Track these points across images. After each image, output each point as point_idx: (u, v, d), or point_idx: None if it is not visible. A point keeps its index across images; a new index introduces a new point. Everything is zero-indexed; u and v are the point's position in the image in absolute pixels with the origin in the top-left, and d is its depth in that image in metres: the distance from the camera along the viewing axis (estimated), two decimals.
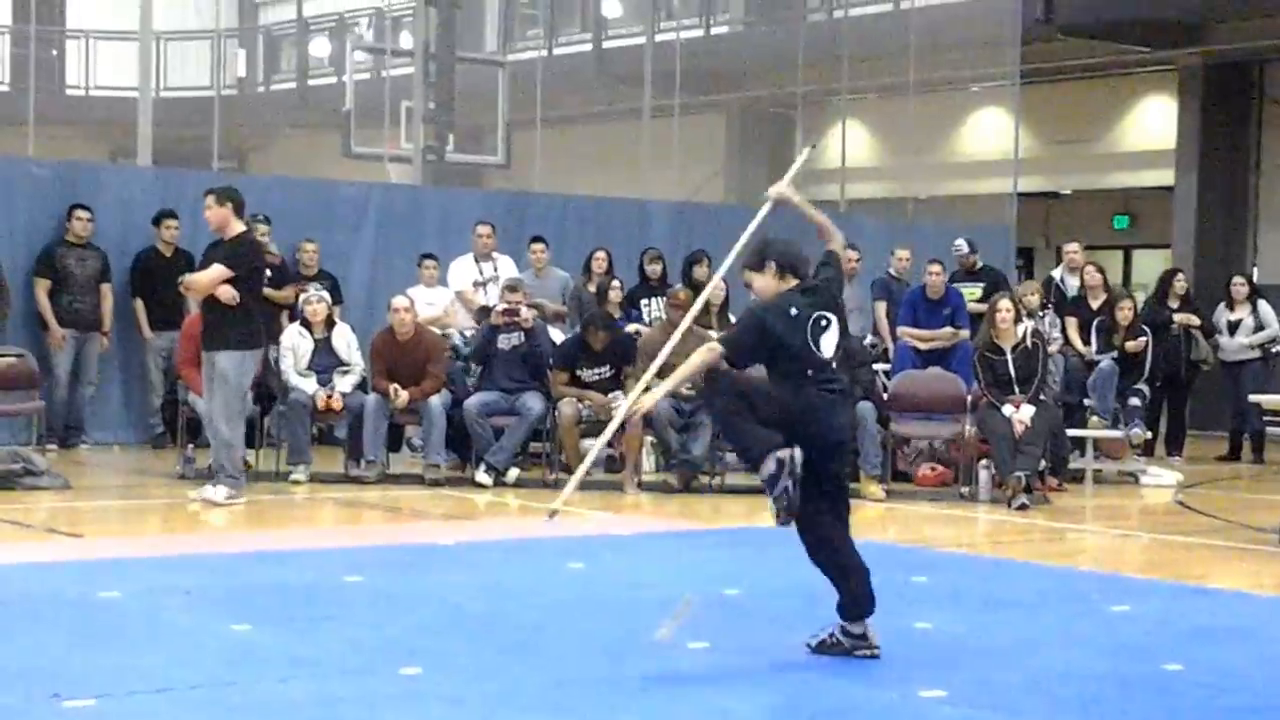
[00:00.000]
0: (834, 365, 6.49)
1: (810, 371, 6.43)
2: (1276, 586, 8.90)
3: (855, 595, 6.49)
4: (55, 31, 29.52)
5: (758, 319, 6.55)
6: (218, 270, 10.91)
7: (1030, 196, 23.26)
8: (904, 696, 5.82)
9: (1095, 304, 14.96)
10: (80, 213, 14.32)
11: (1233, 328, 16.28)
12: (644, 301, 14.79)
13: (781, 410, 6.38)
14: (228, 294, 10.87)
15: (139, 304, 14.55)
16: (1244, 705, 5.83)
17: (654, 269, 14.99)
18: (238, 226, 11.09)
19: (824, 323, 6.48)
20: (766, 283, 6.64)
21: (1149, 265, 23.86)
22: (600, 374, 12.88)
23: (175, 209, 14.67)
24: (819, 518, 6.56)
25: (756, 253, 6.74)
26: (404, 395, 12.53)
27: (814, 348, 6.43)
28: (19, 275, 14.22)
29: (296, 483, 12.22)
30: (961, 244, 15.85)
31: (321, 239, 15.34)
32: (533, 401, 12.73)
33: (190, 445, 12.47)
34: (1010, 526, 11.09)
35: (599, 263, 14.96)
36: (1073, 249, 16.37)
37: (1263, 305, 16.37)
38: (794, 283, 6.59)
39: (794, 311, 6.46)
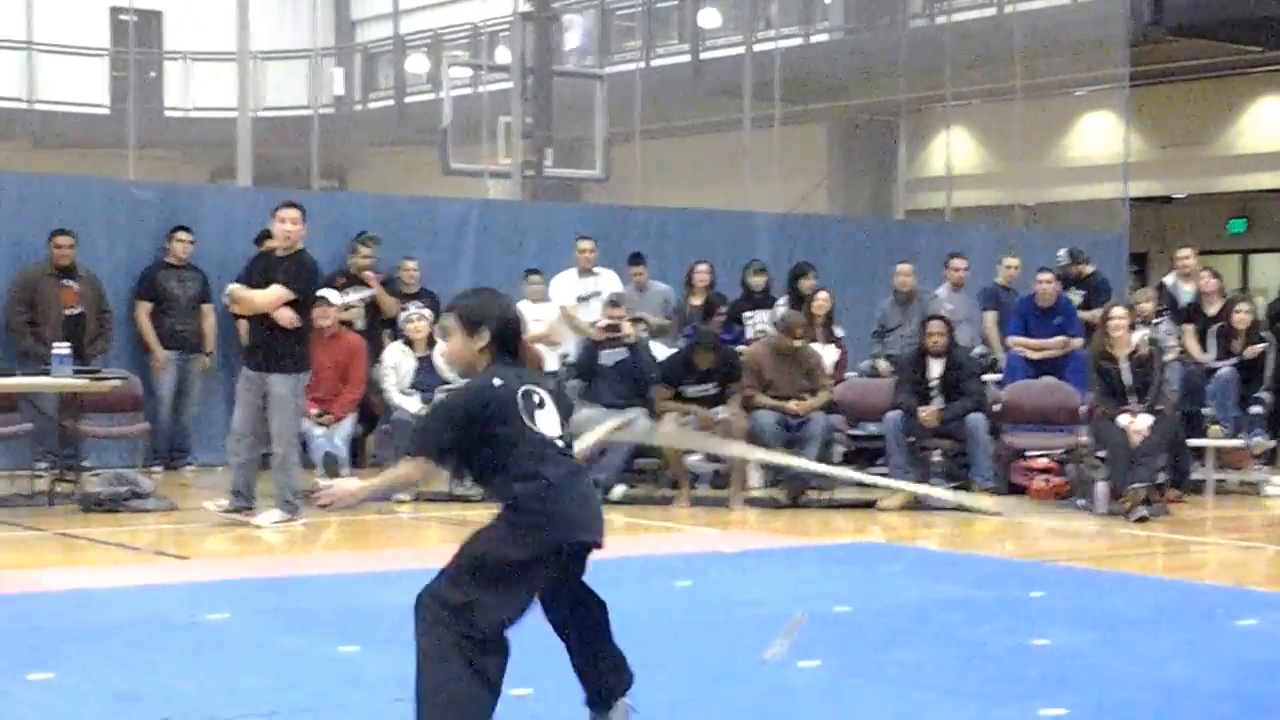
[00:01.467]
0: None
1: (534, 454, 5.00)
2: None
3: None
4: (154, 54, 29.79)
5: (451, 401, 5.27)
6: (280, 291, 10.62)
7: (1142, 201, 22.90)
8: (1024, 715, 5.62)
9: (1211, 310, 14.59)
10: (181, 234, 14.37)
11: None
12: (747, 315, 14.63)
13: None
14: (288, 318, 10.66)
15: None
16: None
17: (757, 281, 14.83)
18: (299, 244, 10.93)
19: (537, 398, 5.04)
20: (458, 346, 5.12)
21: (1267, 269, 23.44)
22: (705, 390, 12.71)
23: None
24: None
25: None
26: None
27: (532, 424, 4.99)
28: (122, 299, 14.28)
29: (401, 502, 12.15)
30: (1062, 254, 15.59)
31: (421, 256, 15.29)
32: (636, 416, 12.59)
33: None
34: (1129, 539, 10.82)
35: (701, 276, 14.83)
36: (1184, 254, 16.01)
37: None
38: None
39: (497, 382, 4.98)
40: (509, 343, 5.05)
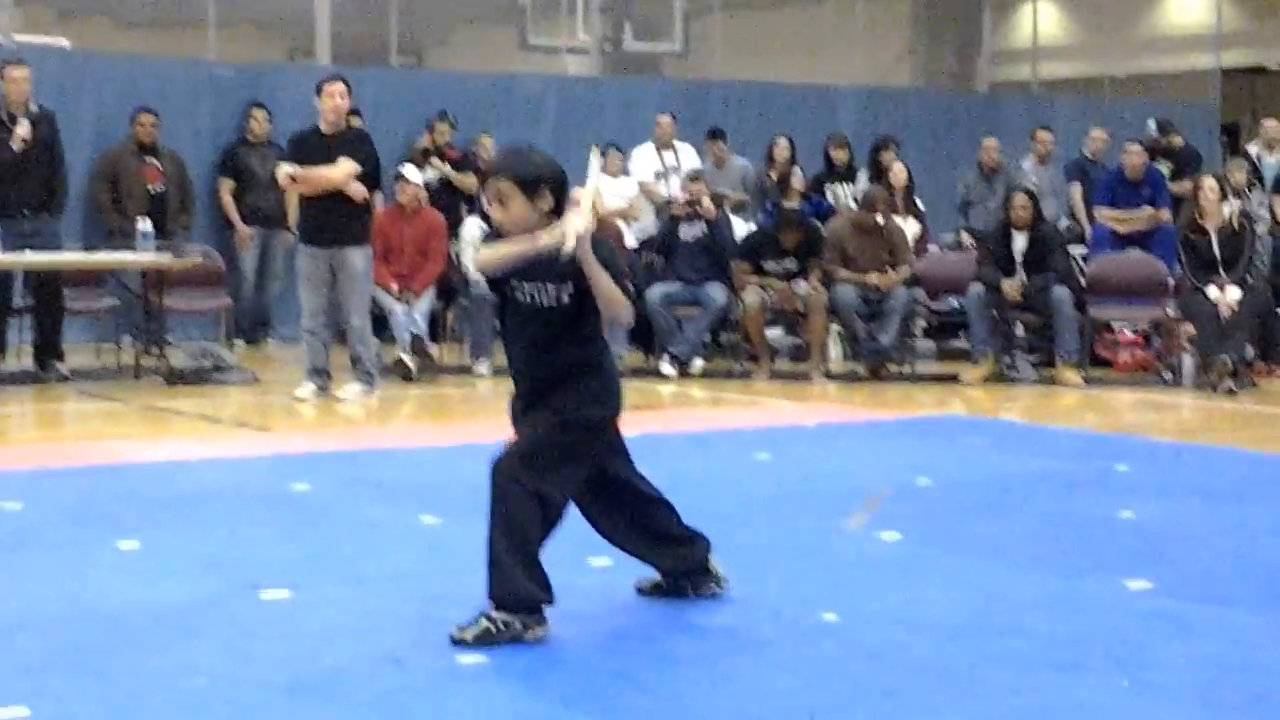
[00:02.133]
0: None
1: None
2: None
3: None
4: None
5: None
6: (351, 166, 10.60)
7: (1234, 72, 22.43)
8: (1108, 587, 5.56)
9: None
10: (257, 112, 14.38)
11: None
12: (829, 187, 14.50)
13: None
14: (360, 192, 10.65)
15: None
16: None
17: (839, 155, 14.68)
18: (354, 120, 10.88)
19: None
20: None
21: None
22: (786, 267, 12.63)
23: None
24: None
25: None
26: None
27: None
28: (204, 176, 14.32)
29: (481, 376, 12.19)
30: (1151, 126, 15.33)
31: (500, 133, 15.22)
32: (715, 292, 12.55)
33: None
34: (1217, 412, 10.70)
35: (781, 150, 14.69)
36: (1270, 124, 15.70)
37: None
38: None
39: None
40: (563, 205, 4.81)
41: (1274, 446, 9.41)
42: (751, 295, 12.38)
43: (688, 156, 14.72)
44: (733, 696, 4.29)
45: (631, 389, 11.68)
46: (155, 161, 13.70)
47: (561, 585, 4.89)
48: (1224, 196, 12.31)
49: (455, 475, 7.84)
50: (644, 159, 14.68)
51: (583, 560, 5.68)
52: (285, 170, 10.68)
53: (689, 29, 20.62)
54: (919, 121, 17.64)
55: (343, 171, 10.61)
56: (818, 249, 12.59)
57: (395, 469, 8.09)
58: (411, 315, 12.21)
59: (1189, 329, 12.00)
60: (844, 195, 14.37)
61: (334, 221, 10.69)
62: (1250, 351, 12.08)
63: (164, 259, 11.84)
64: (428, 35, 29.73)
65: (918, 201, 14.34)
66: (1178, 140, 15.44)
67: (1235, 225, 12.06)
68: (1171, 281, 12.47)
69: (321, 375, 10.86)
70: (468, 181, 14.23)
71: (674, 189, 14.03)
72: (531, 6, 20.16)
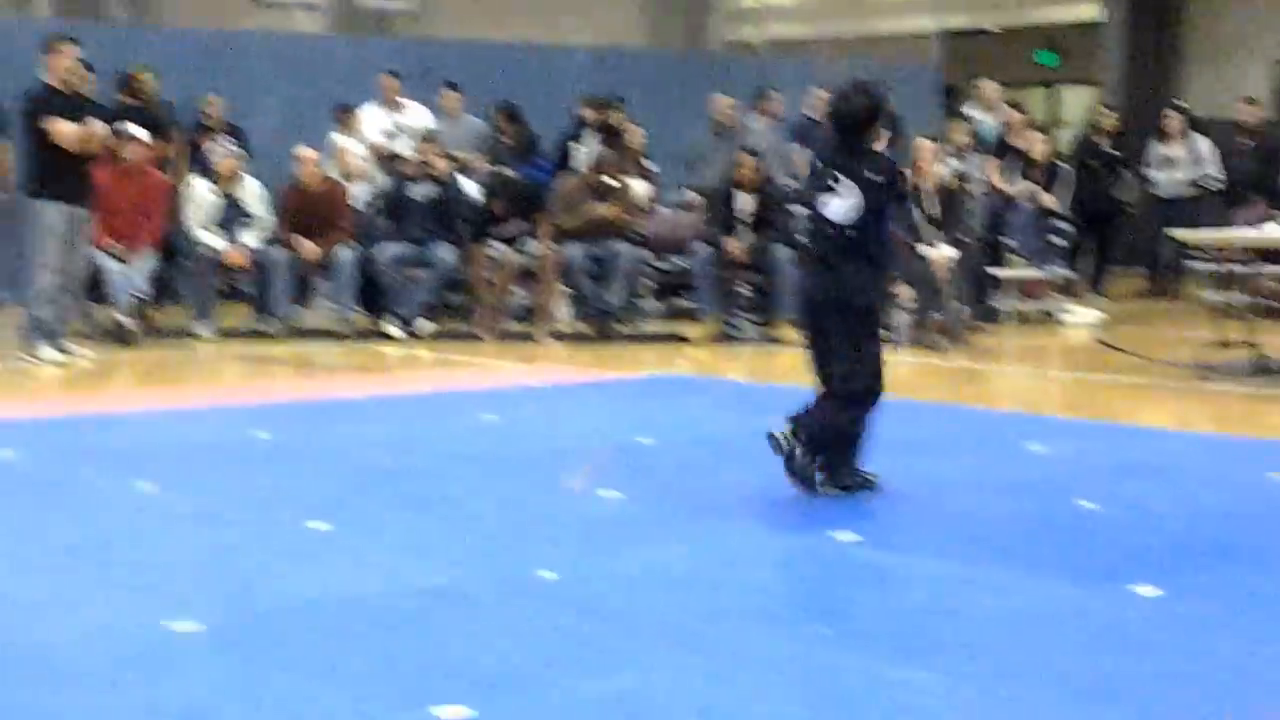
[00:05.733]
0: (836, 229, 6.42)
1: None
2: (1195, 423, 8.89)
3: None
4: None
5: None
6: (86, 128, 10.58)
7: (955, 34, 23.02)
8: (816, 538, 5.74)
9: (1017, 142, 14.81)
10: None
11: (1166, 163, 16.06)
12: (573, 144, 14.50)
13: None
14: (74, 140, 10.54)
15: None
16: (1157, 541, 5.79)
17: (588, 114, 14.67)
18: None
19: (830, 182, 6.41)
20: None
21: (1075, 101, 23.73)
22: (514, 229, 12.65)
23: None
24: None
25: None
26: (312, 248, 12.31)
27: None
28: None
29: (202, 339, 12.01)
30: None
31: (227, 91, 14.92)
32: (445, 253, 12.53)
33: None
34: (929, 369, 11.03)
35: (503, 116, 14.66)
36: (986, 85, 16.16)
37: (1200, 140, 16.00)
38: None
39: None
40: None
41: (983, 401, 9.74)
42: (510, 256, 12.36)
43: (419, 116, 14.62)
44: (445, 654, 4.33)
45: (359, 352, 11.71)
46: None
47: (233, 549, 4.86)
48: (939, 158, 12.66)
49: (172, 440, 7.75)
50: (372, 119, 14.55)
51: (302, 524, 5.69)
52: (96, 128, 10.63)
53: None
54: (649, 81, 17.75)
55: (76, 131, 10.50)
56: (540, 206, 12.65)
57: (108, 435, 7.93)
58: (129, 276, 11.93)
59: (906, 288, 12.33)
60: (586, 153, 14.40)
61: (81, 180, 10.67)
62: (964, 310, 12.45)
63: None
64: None
65: (647, 161, 14.45)
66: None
67: (950, 186, 12.42)
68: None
69: (54, 336, 10.66)
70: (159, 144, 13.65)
71: (402, 148, 13.94)
72: None
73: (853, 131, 6.45)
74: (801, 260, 6.75)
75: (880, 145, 6.87)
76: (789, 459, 6.38)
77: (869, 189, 6.34)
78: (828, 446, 6.45)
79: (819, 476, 6.44)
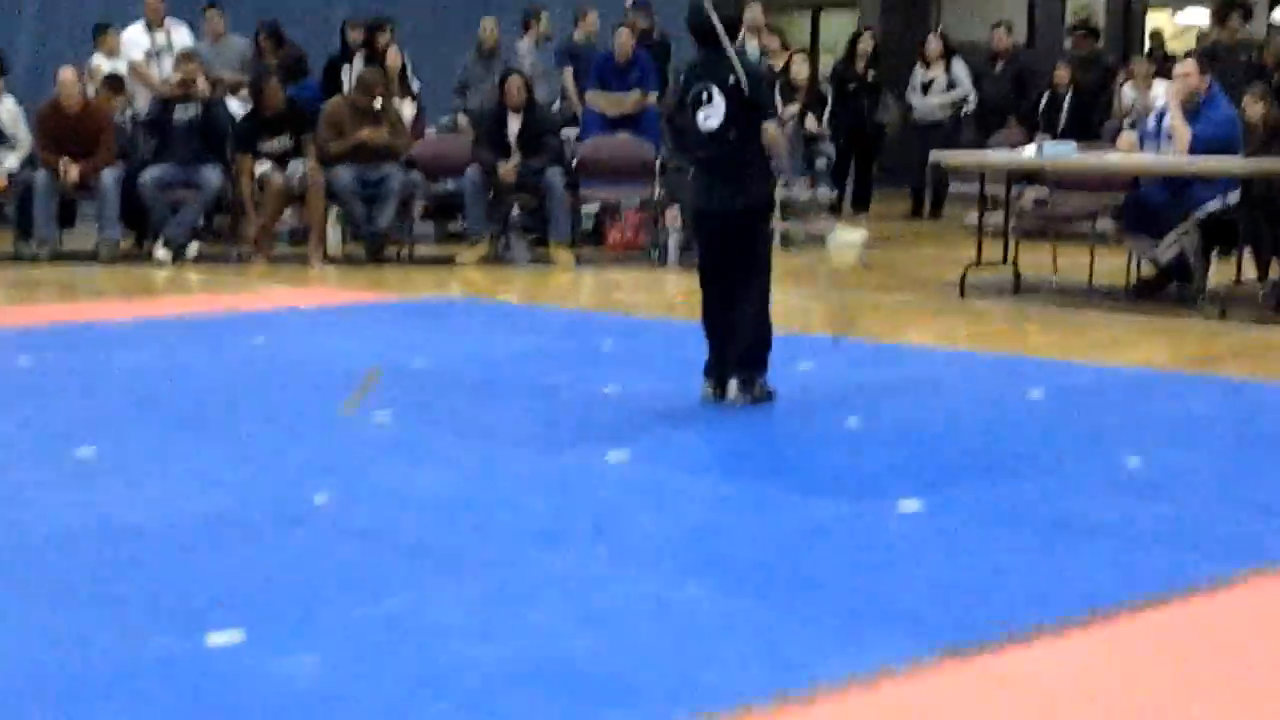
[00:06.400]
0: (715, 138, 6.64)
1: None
2: (957, 341, 9.14)
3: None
4: None
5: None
6: None
7: None
8: (590, 457, 5.81)
9: (778, 65, 14.98)
10: None
11: (926, 87, 16.40)
12: (345, 69, 14.29)
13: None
14: None
15: None
16: (919, 456, 5.95)
17: (354, 36, 14.46)
18: None
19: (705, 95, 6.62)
20: None
21: (837, 25, 23.99)
22: (281, 144, 12.49)
23: None
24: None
25: None
26: (74, 169, 12.03)
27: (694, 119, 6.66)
28: None
29: None
30: (629, 4, 15.70)
31: None
32: (211, 174, 12.32)
33: None
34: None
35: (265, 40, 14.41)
36: (752, 11, 16.27)
37: (957, 64, 16.39)
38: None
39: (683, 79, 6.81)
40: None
41: None
42: (275, 175, 12.17)
43: (181, 35, 14.30)
44: (217, 581, 4.31)
45: (124, 275, 11.49)
46: None
47: None
48: None
49: None
50: (135, 38, 14.19)
51: (70, 451, 5.58)
52: None
53: None
54: (416, 2, 17.58)
55: None
56: (309, 125, 12.50)
57: None
58: None
59: (675, 209, 12.45)
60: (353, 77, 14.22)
61: None
62: None
63: None
64: None
65: (413, 83, 14.33)
66: (641, 23, 15.82)
67: None
68: (659, 163, 12.87)
69: None
70: None
71: (165, 69, 13.65)
72: None
73: (714, 41, 6.63)
74: (695, 176, 6.84)
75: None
76: (768, 398, 6.76)
77: (739, 95, 6.55)
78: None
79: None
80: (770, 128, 6.63)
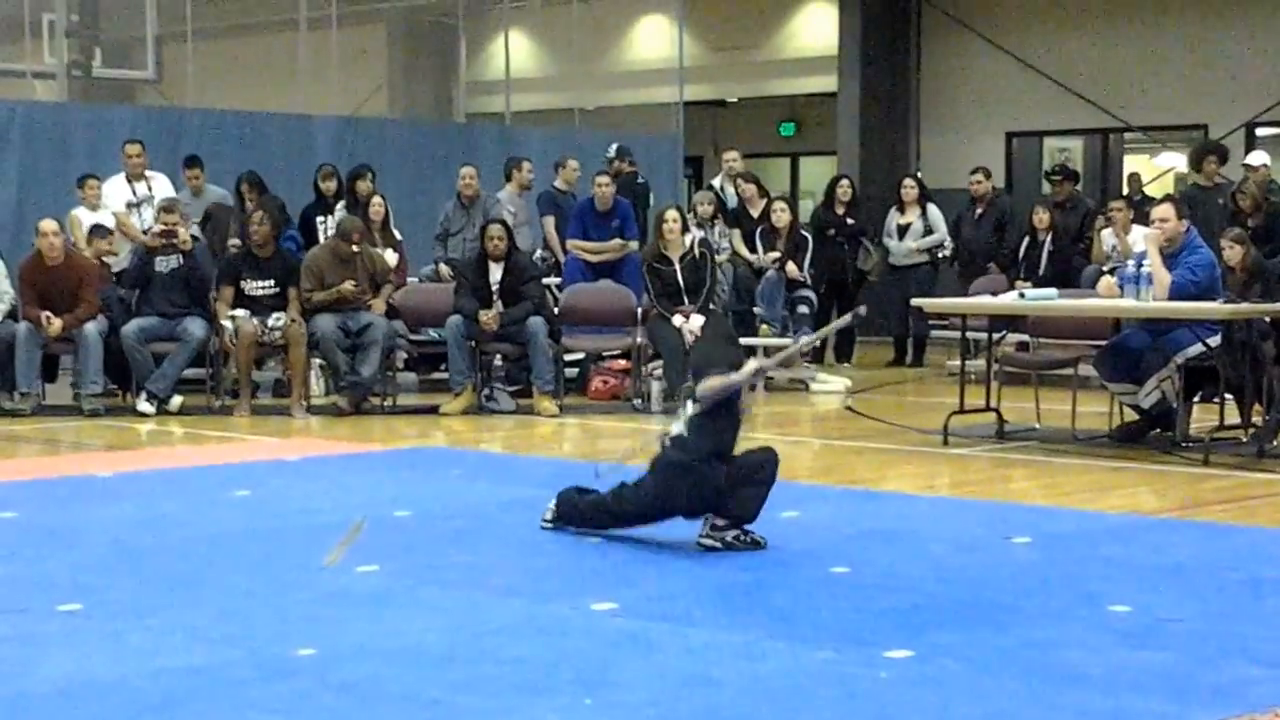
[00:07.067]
0: None
1: None
2: (941, 488, 9.14)
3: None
4: None
5: None
6: None
7: (698, 105, 23.41)
8: (576, 609, 5.79)
9: (755, 212, 15.15)
10: None
11: (902, 232, 16.54)
12: (320, 219, 14.38)
13: None
14: None
15: None
16: (906, 604, 5.93)
17: (328, 186, 14.55)
18: None
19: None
20: None
21: (816, 172, 24.30)
22: (266, 288, 12.52)
23: None
24: None
25: None
26: (56, 323, 12.06)
27: None
28: None
29: None
30: (611, 149, 15.93)
31: None
32: (194, 326, 12.35)
33: None
34: None
35: (245, 188, 14.49)
36: (730, 157, 16.49)
37: (932, 209, 16.50)
38: None
39: None
40: None
41: None
42: (247, 324, 12.19)
43: (162, 186, 14.41)
44: None
45: (108, 428, 11.46)
46: None
47: None
48: (687, 228, 12.88)
49: None
50: (116, 190, 14.29)
51: (53, 607, 5.53)
52: None
53: (161, 55, 20.20)
54: (397, 151, 17.76)
55: None
56: (294, 276, 12.56)
57: None
58: None
59: (656, 358, 12.50)
60: (333, 226, 14.31)
61: None
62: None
63: None
64: None
65: (395, 232, 14.42)
66: (628, 167, 16.01)
67: (697, 254, 12.65)
68: (640, 310, 12.94)
69: None
70: None
71: (147, 220, 13.73)
72: None
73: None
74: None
75: None
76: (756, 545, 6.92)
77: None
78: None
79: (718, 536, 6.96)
80: (711, 382, 6.83)
